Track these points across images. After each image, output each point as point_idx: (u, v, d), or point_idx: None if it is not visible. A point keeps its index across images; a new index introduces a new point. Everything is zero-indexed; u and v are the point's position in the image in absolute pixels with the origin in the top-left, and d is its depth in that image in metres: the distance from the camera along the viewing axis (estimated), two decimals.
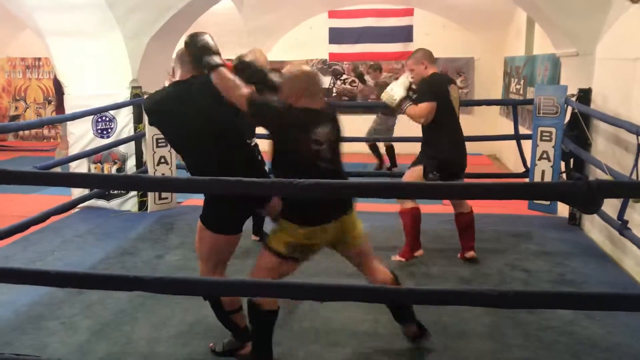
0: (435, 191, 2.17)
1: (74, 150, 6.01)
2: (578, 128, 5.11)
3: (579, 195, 1.72)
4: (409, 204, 4.35)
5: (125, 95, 5.88)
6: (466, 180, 6.03)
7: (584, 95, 5.21)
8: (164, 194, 5.96)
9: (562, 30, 5.43)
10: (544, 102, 5.21)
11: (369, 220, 5.48)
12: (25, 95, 11.42)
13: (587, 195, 1.72)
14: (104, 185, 3.05)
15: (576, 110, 5.07)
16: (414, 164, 4.31)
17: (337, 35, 10.71)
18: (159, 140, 5.77)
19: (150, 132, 5.74)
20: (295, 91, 2.80)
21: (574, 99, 5.21)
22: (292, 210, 2.76)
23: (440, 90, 4.19)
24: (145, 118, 5.74)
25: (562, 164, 5.36)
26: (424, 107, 4.12)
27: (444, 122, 4.18)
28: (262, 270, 2.81)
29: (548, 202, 5.22)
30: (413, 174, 4.25)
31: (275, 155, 2.82)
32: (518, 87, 8.72)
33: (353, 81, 10.78)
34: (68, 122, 5.88)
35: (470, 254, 4.48)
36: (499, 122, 9.46)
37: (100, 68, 5.89)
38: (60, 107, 8.62)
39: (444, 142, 4.19)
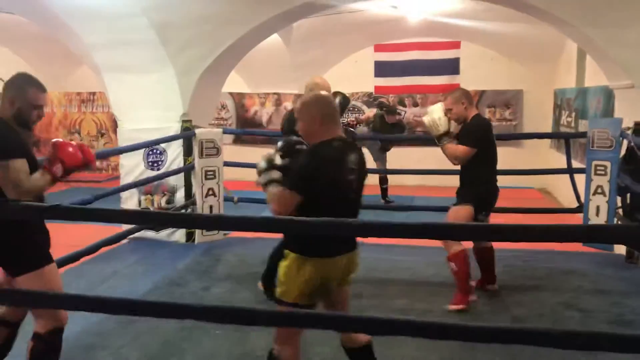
0: (497, 233, 2.08)
1: (125, 182, 6.16)
2: (634, 162, 4.94)
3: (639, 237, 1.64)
4: (457, 247, 4.04)
5: (175, 128, 6.02)
6: (519, 215, 5.89)
7: None
8: None
9: (615, 61, 5.30)
10: (598, 135, 5.06)
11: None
12: (80, 128, 11.83)
13: None
14: (154, 222, 3.01)
15: (632, 144, 4.91)
16: (459, 202, 4.18)
17: (382, 69, 10.77)
18: (208, 173, 5.86)
19: (200, 164, 5.84)
20: (317, 118, 2.66)
21: (629, 131, 5.05)
22: (303, 240, 2.59)
23: (485, 136, 4.16)
24: (196, 150, 5.88)
25: (619, 199, 5.17)
26: (465, 151, 4.08)
27: (489, 160, 4.18)
28: (282, 330, 2.64)
29: None
30: (460, 214, 4.07)
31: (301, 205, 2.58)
32: (569, 119, 8.52)
33: (399, 113, 10.74)
34: (121, 155, 6.04)
35: (493, 287, 4.46)
36: (550, 155, 9.24)
37: (152, 102, 6.05)
38: None
39: (490, 180, 4.20)
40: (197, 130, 5.88)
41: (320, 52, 10.26)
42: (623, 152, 5.09)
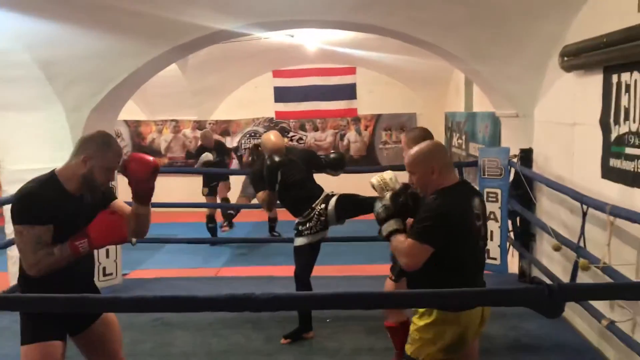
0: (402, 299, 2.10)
1: (10, 227, 5.72)
2: (522, 188, 5.25)
3: (541, 301, 1.72)
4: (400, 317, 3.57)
5: None
6: None
7: (526, 155, 5.39)
8: (108, 269, 5.71)
9: (500, 92, 5.64)
10: (488, 164, 5.34)
11: None
12: None
13: (549, 301, 1.72)
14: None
15: (519, 171, 5.22)
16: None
17: (282, 94, 10.82)
18: None
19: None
20: (436, 169, 2.53)
21: (515, 159, 5.36)
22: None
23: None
24: None
25: (509, 222, 5.47)
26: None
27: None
28: None
29: (499, 262, 5.29)
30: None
31: (432, 256, 2.45)
32: (460, 141, 8.96)
33: (300, 138, 10.84)
34: (3, 200, 5.60)
35: None
36: None
37: (40, 141, 5.67)
38: None
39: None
40: None
41: (218, 78, 10.14)
42: (511, 178, 5.40)
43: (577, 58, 4.23)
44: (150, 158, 2.70)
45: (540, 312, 1.85)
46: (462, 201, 2.53)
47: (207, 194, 8.12)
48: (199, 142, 8.70)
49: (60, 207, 2.47)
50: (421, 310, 2.51)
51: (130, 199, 2.72)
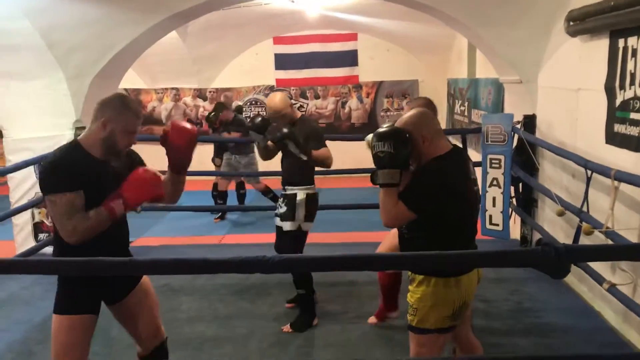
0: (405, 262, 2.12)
1: (15, 195, 5.77)
2: (525, 154, 5.26)
3: (548, 262, 1.74)
4: None
5: (68, 136, 5.66)
6: None
7: (529, 122, 5.38)
8: None
9: (503, 58, 5.59)
10: (492, 131, 5.33)
11: None
12: None
13: (555, 262, 1.75)
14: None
15: (522, 137, 5.22)
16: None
17: (283, 61, 10.73)
18: None
19: None
20: (427, 137, 2.48)
21: (519, 126, 5.36)
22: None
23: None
24: None
25: (512, 188, 5.49)
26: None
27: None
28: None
29: (501, 228, 5.33)
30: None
31: (431, 223, 2.46)
32: (462, 108, 8.93)
33: (301, 106, 10.80)
34: (7, 167, 5.62)
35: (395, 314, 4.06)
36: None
37: (42, 109, 5.67)
38: None
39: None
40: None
41: (218, 45, 10.05)
42: (515, 144, 5.40)
43: (583, 22, 4.18)
44: (189, 125, 2.64)
45: (547, 273, 1.86)
46: (458, 167, 2.51)
47: (219, 164, 7.97)
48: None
49: (88, 173, 2.44)
50: (419, 278, 2.49)
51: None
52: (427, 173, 2.47)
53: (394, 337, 3.87)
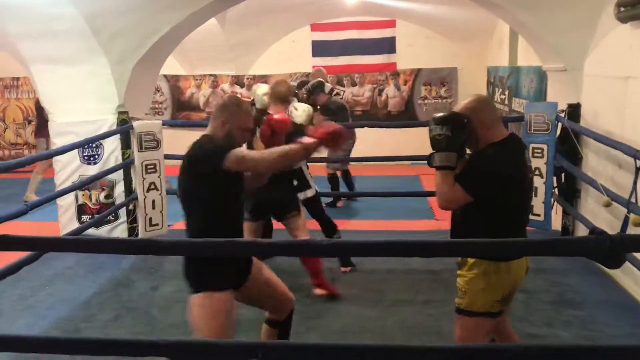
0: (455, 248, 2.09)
1: (60, 177, 5.90)
2: (569, 143, 5.15)
3: (602, 251, 1.71)
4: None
5: (111, 120, 5.78)
6: None
7: (573, 111, 5.25)
8: (154, 220, 5.86)
9: (548, 45, 5.46)
10: (535, 119, 5.23)
11: None
12: (4, 115, 11.20)
13: (610, 251, 1.71)
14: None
15: (567, 126, 5.10)
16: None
17: (320, 48, 10.69)
18: (149, 167, 5.68)
19: (140, 158, 5.65)
20: (486, 123, 2.53)
21: (563, 114, 5.24)
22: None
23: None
24: (135, 143, 5.64)
25: (554, 178, 5.39)
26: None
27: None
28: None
29: (542, 218, 5.24)
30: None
31: (485, 207, 2.46)
32: (503, 97, 8.77)
33: (337, 93, 10.75)
34: (54, 150, 5.76)
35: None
36: None
37: (86, 94, 5.79)
38: (40, 130, 8.51)
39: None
40: (135, 123, 5.66)
41: (256, 32, 10.07)
42: (558, 133, 5.29)
43: (635, 8, 4.05)
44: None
45: (601, 262, 1.84)
46: (514, 153, 2.53)
47: None
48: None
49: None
50: (470, 261, 2.51)
51: None
52: (484, 157, 2.49)
53: (429, 324, 3.85)
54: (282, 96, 4.24)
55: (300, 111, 4.25)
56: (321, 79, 6.97)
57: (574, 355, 2.02)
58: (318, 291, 4.34)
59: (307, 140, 2.77)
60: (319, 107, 6.32)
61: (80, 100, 5.79)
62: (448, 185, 2.47)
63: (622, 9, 4.25)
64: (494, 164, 2.45)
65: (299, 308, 4.12)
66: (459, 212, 2.57)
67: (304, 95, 6.02)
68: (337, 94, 10.73)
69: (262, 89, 4.45)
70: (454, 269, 2.64)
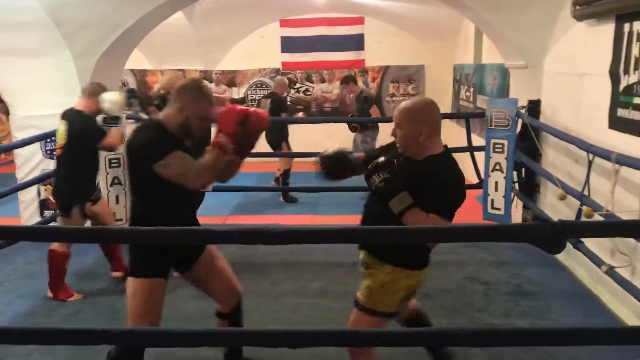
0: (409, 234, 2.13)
1: (22, 172, 5.81)
2: (529, 139, 5.27)
3: (544, 237, 1.77)
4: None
5: None
6: None
7: (534, 107, 5.38)
8: (118, 214, 5.80)
9: (510, 43, 5.58)
10: (496, 115, 5.34)
11: None
12: None
13: (551, 237, 1.77)
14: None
15: (527, 122, 5.22)
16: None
17: (289, 44, 10.70)
18: (112, 161, 5.63)
19: (103, 153, 5.58)
20: (426, 129, 2.41)
21: (523, 110, 5.36)
22: (409, 252, 2.49)
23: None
24: None
25: (515, 173, 5.51)
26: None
27: None
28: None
29: (502, 212, 5.36)
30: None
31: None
32: (468, 94, 8.91)
33: (307, 90, 10.79)
34: (14, 143, 5.67)
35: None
36: (451, 130, 9.61)
37: (48, 87, 5.70)
38: None
39: None
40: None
41: (224, 27, 10.02)
42: (519, 129, 5.41)
43: (590, 6, 4.17)
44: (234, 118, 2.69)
45: (543, 248, 1.90)
46: (458, 168, 2.51)
47: None
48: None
49: (177, 141, 2.65)
50: (379, 264, 2.52)
51: None
52: (446, 180, 2.41)
53: None
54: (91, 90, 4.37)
55: (107, 102, 4.26)
56: (279, 95, 7.36)
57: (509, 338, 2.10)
58: (116, 274, 4.63)
59: (220, 138, 2.55)
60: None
61: (43, 94, 5.71)
62: (423, 221, 2.33)
63: (577, 7, 4.37)
64: (460, 184, 2.44)
65: (263, 302, 4.20)
66: (376, 207, 2.49)
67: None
68: (307, 90, 10.78)
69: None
70: None
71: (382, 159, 2.40)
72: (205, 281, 2.94)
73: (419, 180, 2.36)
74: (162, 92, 4.74)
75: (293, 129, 7.92)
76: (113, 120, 4.27)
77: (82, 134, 4.25)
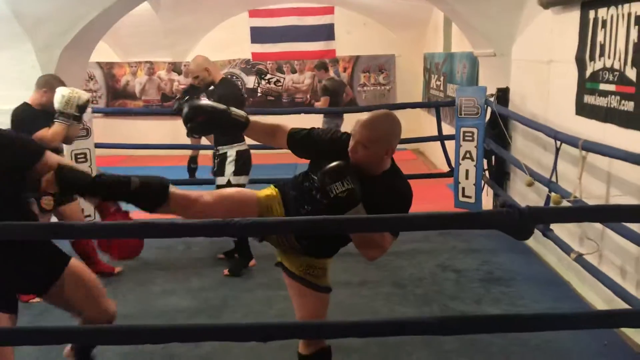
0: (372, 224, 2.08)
1: None
2: (498, 127, 5.30)
3: (512, 223, 1.77)
4: None
5: None
6: None
7: (502, 95, 5.41)
8: (86, 210, 5.68)
9: (478, 31, 5.60)
10: (465, 103, 5.36)
11: None
12: None
13: (519, 223, 1.78)
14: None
15: (495, 110, 5.25)
16: None
17: (259, 35, 10.61)
18: (78, 156, 5.51)
19: (68, 147, 5.45)
20: (392, 151, 2.34)
21: (492, 99, 5.39)
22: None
23: None
24: None
25: (485, 161, 5.55)
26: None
27: None
28: (321, 313, 2.62)
29: (473, 200, 5.39)
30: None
31: None
32: (438, 83, 8.95)
33: (277, 81, 10.72)
34: None
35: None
36: (422, 118, 9.68)
37: (8, 81, 5.53)
38: None
39: None
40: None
41: (193, 18, 9.88)
42: (488, 117, 5.44)
43: None
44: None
45: (510, 234, 1.90)
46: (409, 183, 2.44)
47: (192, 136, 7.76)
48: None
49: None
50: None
51: None
52: (402, 197, 2.33)
53: (363, 305, 3.92)
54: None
55: (56, 96, 4.04)
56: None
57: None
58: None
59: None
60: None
61: (4, 88, 5.54)
62: (379, 239, 2.22)
63: None
64: (410, 199, 2.36)
65: (237, 294, 4.16)
66: (303, 240, 2.50)
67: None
68: (277, 81, 10.71)
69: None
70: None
71: (345, 165, 2.19)
72: (66, 305, 2.63)
73: (376, 198, 2.21)
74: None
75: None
76: (63, 115, 4.05)
77: (17, 125, 4.12)
